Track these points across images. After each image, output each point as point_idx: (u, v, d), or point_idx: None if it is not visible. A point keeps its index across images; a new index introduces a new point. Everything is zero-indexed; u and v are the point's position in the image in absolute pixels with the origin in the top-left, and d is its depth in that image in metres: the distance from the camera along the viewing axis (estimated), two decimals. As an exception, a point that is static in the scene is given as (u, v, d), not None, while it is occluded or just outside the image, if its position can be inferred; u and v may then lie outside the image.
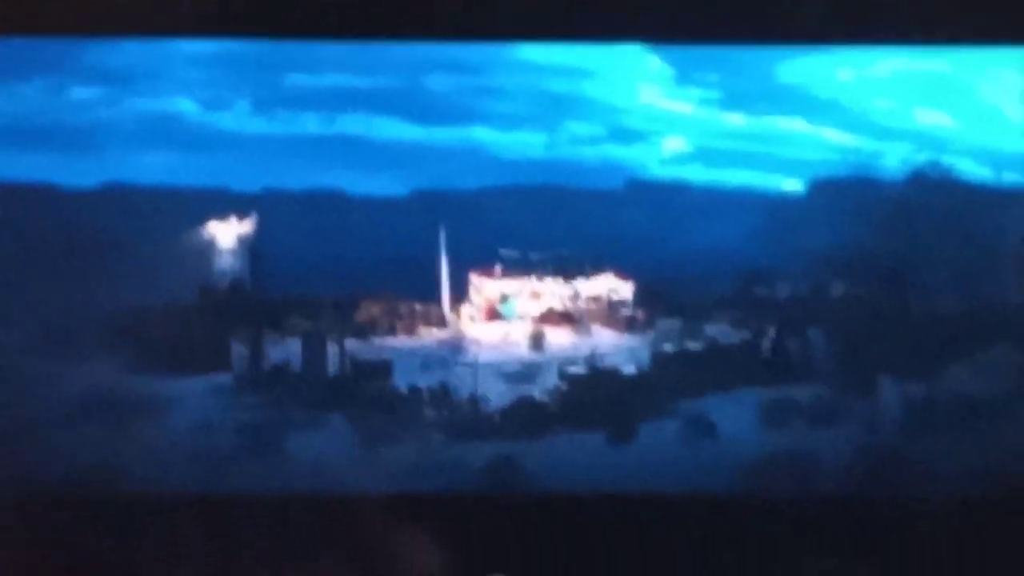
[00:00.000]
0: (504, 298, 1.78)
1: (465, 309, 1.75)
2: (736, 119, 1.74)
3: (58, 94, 1.71)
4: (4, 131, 1.70)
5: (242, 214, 1.72)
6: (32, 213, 1.71)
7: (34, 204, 1.70)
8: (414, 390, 1.73)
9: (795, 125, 1.73)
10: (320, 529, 1.68)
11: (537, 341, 1.76)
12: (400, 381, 1.73)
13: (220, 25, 1.71)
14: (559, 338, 1.77)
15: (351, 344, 1.74)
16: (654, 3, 1.72)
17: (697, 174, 1.74)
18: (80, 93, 1.72)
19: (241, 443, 1.70)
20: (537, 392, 1.73)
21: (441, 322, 1.76)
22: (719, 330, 1.75)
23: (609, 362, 1.74)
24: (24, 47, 1.69)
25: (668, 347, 1.74)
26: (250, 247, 1.73)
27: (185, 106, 1.72)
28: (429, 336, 1.76)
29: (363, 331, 1.75)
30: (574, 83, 1.73)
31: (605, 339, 1.76)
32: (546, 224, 1.73)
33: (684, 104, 1.74)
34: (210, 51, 1.71)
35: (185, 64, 1.71)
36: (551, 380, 1.74)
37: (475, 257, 1.74)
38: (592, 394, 1.73)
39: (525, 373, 1.74)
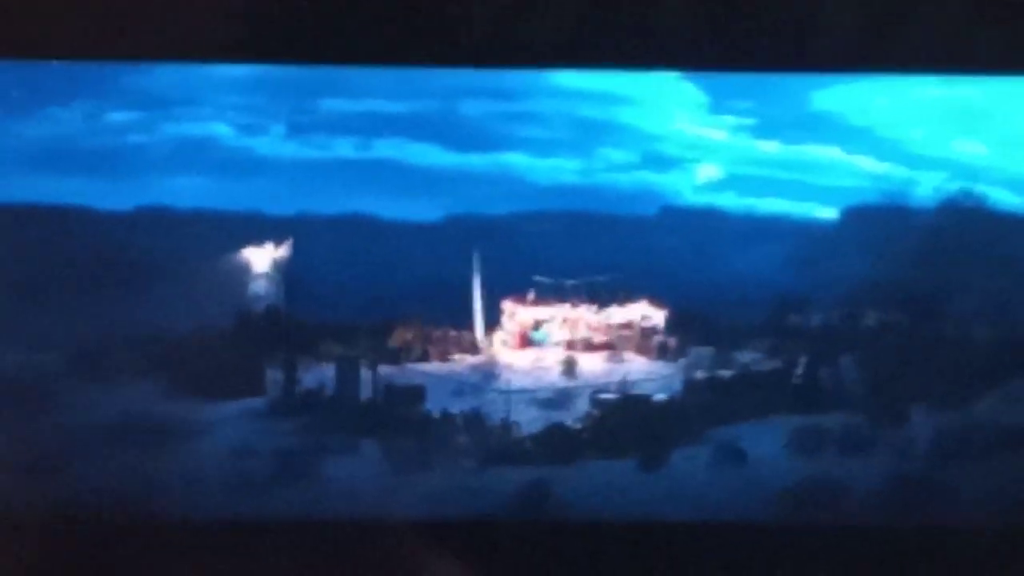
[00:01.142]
0: (537, 325, 1.79)
1: (498, 335, 1.76)
2: (770, 146, 1.74)
3: (95, 118, 1.72)
4: (42, 155, 1.71)
5: (277, 238, 1.73)
6: (69, 236, 1.72)
7: (71, 227, 1.71)
8: (447, 415, 1.73)
9: (829, 153, 1.73)
10: (353, 555, 1.68)
11: (569, 368, 1.77)
12: (433, 406, 1.73)
13: (255, 51, 1.71)
14: (591, 365, 1.77)
15: (384, 369, 1.75)
16: (688, 30, 1.72)
17: (731, 201, 1.74)
18: (117, 117, 1.73)
19: (275, 468, 1.70)
20: (569, 418, 1.73)
21: (474, 348, 1.76)
22: (751, 357, 1.75)
23: (641, 389, 1.75)
24: (62, 72, 1.70)
25: (700, 374, 1.74)
26: (285, 271, 1.73)
27: (221, 130, 1.73)
28: (462, 362, 1.77)
29: (396, 356, 1.76)
30: (608, 109, 1.74)
31: (637, 366, 1.77)
32: (579, 250, 1.74)
33: (718, 131, 1.74)
34: (245, 76, 1.72)
35: (221, 89, 1.73)
36: (583, 407, 1.74)
37: (508, 283, 1.75)
38: (624, 421, 1.73)
39: (557, 399, 1.74)
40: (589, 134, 1.74)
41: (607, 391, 1.75)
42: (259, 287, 1.74)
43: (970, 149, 1.74)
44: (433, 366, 1.76)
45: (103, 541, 1.69)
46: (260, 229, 1.72)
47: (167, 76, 1.72)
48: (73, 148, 1.72)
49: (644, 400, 1.74)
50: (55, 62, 1.71)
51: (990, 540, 1.69)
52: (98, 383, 1.71)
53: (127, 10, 1.70)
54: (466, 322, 1.76)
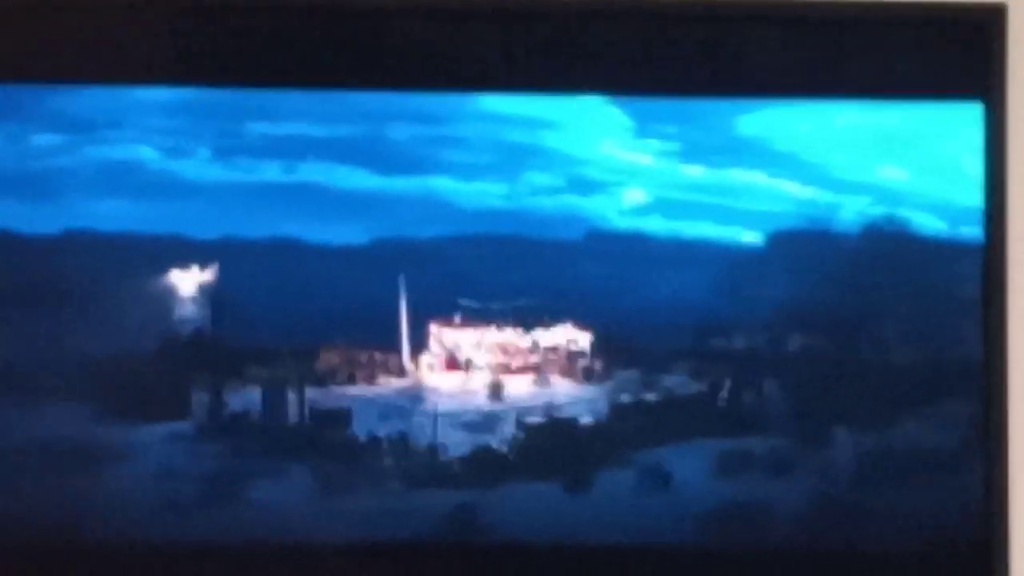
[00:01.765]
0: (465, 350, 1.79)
1: (424, 358, 1.77)
2: (695, 171, 1.75)
3: (19, 141, 1.72)
4: (-36, 178, 1.72)
5: (202, 262, 1.72)
6: (-7, 259, 1.72)
7: (-5, 250, 1.72)
8: (373, 439, 1.73)
9: (754, 178, 1.75)
10: (278, 578, 1.70)
11: (496, 391, 1.77)
12: (359, 430, 1.73)
13: (181, 73, 1.72)
14: (518, 388, 1.78)
15: (311, 393, 1.74)
16: (614, 55, 1.74)
17: (656, 225, 1.75)
18: (41, 140, 1.72)
19: (201, 491, 1.70)
20: (495, 441, 1.74)
21: (400, 371, 1.76)
22: (676, 381, 1.75)
23: (567, 412, 1.75)
24: (-15, 94, 1.71)
25: (625, 398, 1.75)
26: (210, 295, 1.73)
27: (145, 153, 1.73)
28: (388, 385, 1.77)
29: (323, 379, 1.75)
30: (534, 134, 1.75)
31: (563, 389, 1.77)
32: (506, 274, 1.74)
33: (644, 156, 1.75)
34: (171, 99, 1.72)
35: (146, 112, 1.72)
36: (509, 430, 1.75)
37: (434, 306, 1.75)
38: (550, 444, 1.74)
39: (484, 423, 1.75)
40: (515, 158, 1.74)
41: (533, 414, 1.76)
42: (185, 310, 1.73)
43: (893, 174, 1.76)
44: (359, 389, 1.76)
45: (27, 566, 1.69)
46: (185, 252, 1.72)
47: (91, 98, 1.71)
48: (-4, 171, 1.73)
49: (570, 423, 1.75)
50: (-22, 84, 1.72)
51: (911, 562, 1.72)
52: (23, 406, 1.70)
53: (51, 32, 1.70)
54: (392, 345, 1.76)
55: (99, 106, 1.71)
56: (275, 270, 1.72)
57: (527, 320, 1.76)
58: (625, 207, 1.75)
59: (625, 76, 1.73)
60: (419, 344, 1.75)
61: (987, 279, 1.73)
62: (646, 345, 1.76)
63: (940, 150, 1.75)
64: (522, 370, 1.77)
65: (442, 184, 1.74)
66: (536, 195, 1.74)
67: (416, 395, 1.76)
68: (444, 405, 1.75)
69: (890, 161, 1.75)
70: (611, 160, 1.75)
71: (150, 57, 1.69)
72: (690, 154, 1.75)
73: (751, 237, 1.74)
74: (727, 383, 1.75)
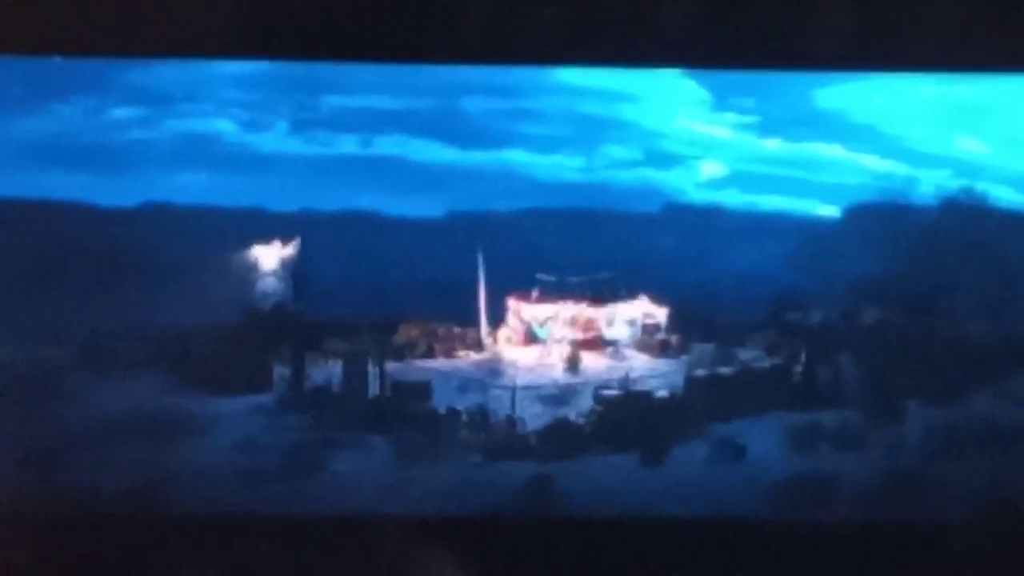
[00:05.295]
0: (541, 323, 1.80)
1: (502, 332, 1.78)
2: (772, 144, 1.75)
3: (97, 114, 1.72)
4: (44, 150, 1.71)
5: (280, 235, 1.73)
6: (73, 232, 1.72)
7: (74, 223, 1.72)
8: (452, 412, 1.75)
9: (831, 151, 1.74)
10: (359, 549, 1.71)
11: (573, 364, 1.78)
12: (439, 403, 1.76)
13: (258, 47, 1.71)
14: (594, 362, 1.79)
15: (391, 366, 1.76)
16: (691, 27, 1.72)
17: (733, 199, 1.75)
18: (119, 113, 1.72)
19: (283, 463, 1.72)
20: (572, 414, 1.76)
21: (478, 345, 1.78)
22: (751, 355, 1.77)
23: (643, 386, 1.77)
24: (64, 67, 1.70)
25: (701, 371, 1.76)
26: (289, 268, 1.74)
27: (223, 127, 1.73)
28: (467, 359, 1.78)
29: (402, 353, 1.77)
30: (611, 107, 1.74)
31: (639, 363, 1.78)
32: (582, 247, 1.74)
33: (721, 129, 1.75)
34: (248, 72, 1.72)
35: (223, 85, 1.72)
36: (586, 403, 1.76)
37: (512, 280, 1.75)
38: (626, 417, 1.76)
39: (561, 396, 1.77)
40: (591, 131, 1.74)
41: (610, 387, 1.78)
42: (264, 283, 1.74)
43: (971, 147, 1.74)
44: (438, 363, 1.78)
45: (110, 536, 1.71)
46: (263, 226, 1.73)
47: (169, 72, 1.71)
48: (75, 144, 1.72)
49: (646, 396, 1.76)
50: (57, 58, 1.71)
51: (984, 536, 1.73)
52: (104, 379, 1.72)
53: (129, 6, 1.70)
54: (470, 319, 1.77)
55: (176, 80, 1.71)
56: (353, 243, 1.74)
57: (604, 294, 1.78)
58: (702, 180, 1.75)
59: (702, 49, 1.71)
60: (497, 318, 1.78)
61: (1065, 253, 1.73)
62: (722, 319, 1.77)
63: (1019, 123, 1.74)
64: (599, 344, 1.79)
65: (519, 157, 1.73)
66: (613, 168, 1.74)
67: (494, 369, 1.78)
68: (522, 378, 1.77)
69: (968, 134, 1.74)
70: (688, 133, 1.74)
71: (227, 30, 1.68)
72: (767, 127, 1.74)
73: (828, 211, 1.74)
74: (802, 357, 1.76)
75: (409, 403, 1.76)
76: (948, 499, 1.73)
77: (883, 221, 1.74)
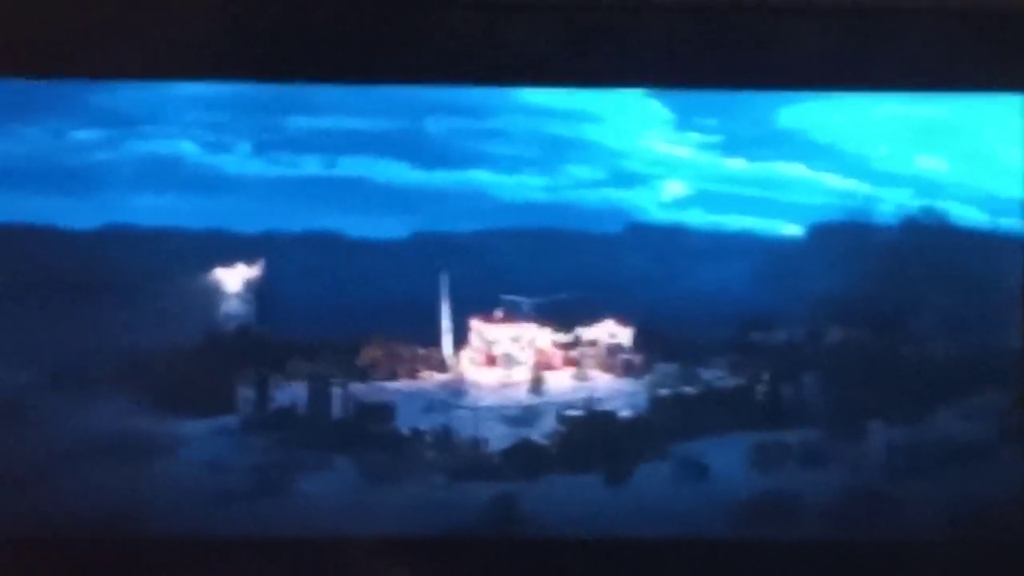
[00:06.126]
0: (505, 343, 1.80)
1: (466, 353, 1.78)
2: (736, 164, 1.75)
3: (59, 136, 1.72)
4: (5, 173, 1.71)
5: (244, 256, 1.73)
6: (35, 255, 1.72)
7: (37, 246, 1.71)
8: (416, 432, 1.75)
9: (794, 170, 1.75)
10: (324, 570, 1.72)
11: (536, 385, 1.79)
12: (403, 424, 1.75)
13: (221, 68, 1.71)
14: (558, 382, 1.79)
15: (355, 387, 1.76)
16: (655, 48, 1.73)
17: (696, 218, 1.75)
18: (82, 135, 1.72)
19: (247, 484, 1.72)
20: (536, 435, 1.76)
21: (442, 366, 1.78)
22: (715, 374, 1.77)
23: (607, 406, 1.77)
24: (25, 89, 1.70)
25: (664, 391, 1.77)
26: (253, 289, 1.74)
27: (187, 148, 1.73)
28: (431, 379, 1.78)
29: (366, 374, 1.77)
30: (575, 127, 1.75)
31: (603, 383, 1.79)
32: (546, 268, 1.75)
33: (684, 148, 1.75)
34: (211, 94, 1.72)
35: (187, 107, 1.72)
36: (550, 423, 1.76)
37: (476, 301, 1.75)
38: (589, 437, 1.76)
39: (525, 416, 1.77)
40: (555, 151, 1.74)
41: (574, 408, 1.78)
42: (229, 305, 1.74)
43: (932, 166, 1.75)
44: (403, 383, 1.78)
45: (75, 557, 1.71)
46: (227, 247, 1.73)
47: (132, 94, 1.71)
48: (39, 167, 1.71)
49: (610, 416, 1.77)
50: (20, 80, 1.71)
51: (948, 554, 1.74)
52: (70, 401, 1.71)
53: (92, 28, 1.70)
54: (434, 340, 1.77)
55: (139, 101, 1.71)
56: (317, 265, 1.73)
57: (567, 314, 1.78)
58: (665, 200, 1.75)
59: (665, 69, 1.72)
60: (461, 339, 1.78)
61: (1027, 272, 1.74)
62: (685, 338, 1.77)
63: (980, 142, 1.75)
64: (562, 364, 1.79)
65: (482, 177, 1.74)
66: (577, 188, 1.74)
67: (458, 389, 1.78)
68: (486, 399, 1.78)
69: (930, 153, 1.75)
70: (651, 153, 1.75)
71: (190, 52, 1.69)
72: (730, 146, 1.75)
73: (791, 230, 1.75)
74: (765, 376, 1.77)
75: (373, 424, 1.75)
76: (911, 517, 1.74)
77: (846, 240, 1.75)
